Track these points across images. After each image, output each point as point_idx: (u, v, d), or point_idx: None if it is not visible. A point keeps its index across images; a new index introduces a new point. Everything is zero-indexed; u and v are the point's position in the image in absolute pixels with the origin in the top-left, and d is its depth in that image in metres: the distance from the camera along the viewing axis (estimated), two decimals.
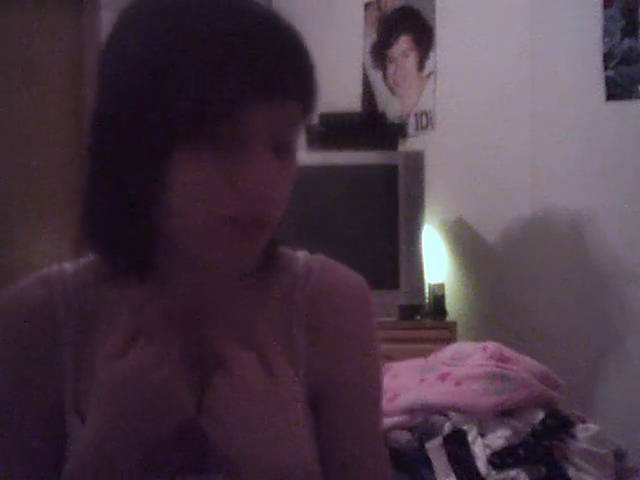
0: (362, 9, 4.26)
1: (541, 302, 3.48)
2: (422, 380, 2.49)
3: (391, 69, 4.16)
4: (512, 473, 2.23)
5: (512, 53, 3.60)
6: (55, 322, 1.03)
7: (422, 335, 3.45)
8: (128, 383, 0.95)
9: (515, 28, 3.60)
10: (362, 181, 3.54)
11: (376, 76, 4.21)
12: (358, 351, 1.08)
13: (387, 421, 2.35)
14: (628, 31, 3.18)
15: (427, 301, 3.60)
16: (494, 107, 3.67)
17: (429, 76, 3.98)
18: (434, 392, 2.41)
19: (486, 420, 2.32)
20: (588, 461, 2.29)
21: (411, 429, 2.35)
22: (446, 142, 3.84)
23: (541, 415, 2.34)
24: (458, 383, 2.41)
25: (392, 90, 4.15)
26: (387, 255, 3.49)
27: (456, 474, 2.23)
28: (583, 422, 2.41)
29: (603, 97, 3.25)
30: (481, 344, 2.58)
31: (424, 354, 2.70)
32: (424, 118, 3.97)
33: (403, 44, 4.10)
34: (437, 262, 3.79)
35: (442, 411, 2.36)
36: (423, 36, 4.00)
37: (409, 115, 4.04)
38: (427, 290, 3.59)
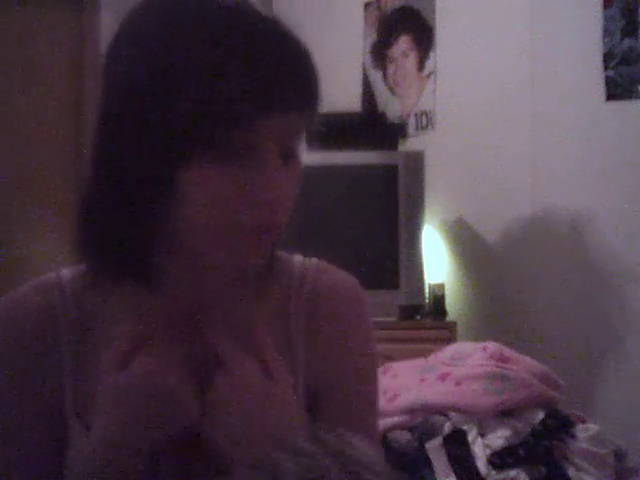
0: (362, 9, 4.26)
1: (541, 302, 3.47)
2: (422, 380, 2.49)
3: (391, 69, 4.16)
4: (512, 473, 2.23)
5: (512, 53, 3.60)
6: (54, 327, 1.03)
7: (422, 335, 3.45)
8: (134, 391, 0.96)
9: (515, 28, 3.60)
10: (362, 181, 3.54)
11: (376, 76, 4.21)
12: (354, 352, 1.09)
13: (387, 421, 2.35)
14: (628, 31, 3.18)
15: (427, 301, 3.59)
16: (494, 107, 3.67)
17: (429, 76, 3.98)
18: (434, 392, 2.41)
19: (486, 420, 2.32)
20: (588, 461, 2.29)
21: (411, 429, 2.35)
22: (446, 142, 3.84)
23: (541, 415, 2.34)
24: (458, 383, 2.41)
25: (392, 90, 4.15)
26: (387, 255, 3.49)
27: (456, 474, 2.23)
28: (583, 422, 2.41)
29: (603, 97, 3.25)
30: (481, 344, 2.58)
31: (424, 354, 2.70)
32: (424, 118, 3.97)
33: (403, 44, 4.10)
34: (437, 262, 3.79)
35: (442, 411, 2.36)
36: (423, 36, 4.00)
37: (409, 115, 4.04)
38: (427, 290, 3.59)
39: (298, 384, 1.05)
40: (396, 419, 2.37)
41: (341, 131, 3.71)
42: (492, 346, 2.53)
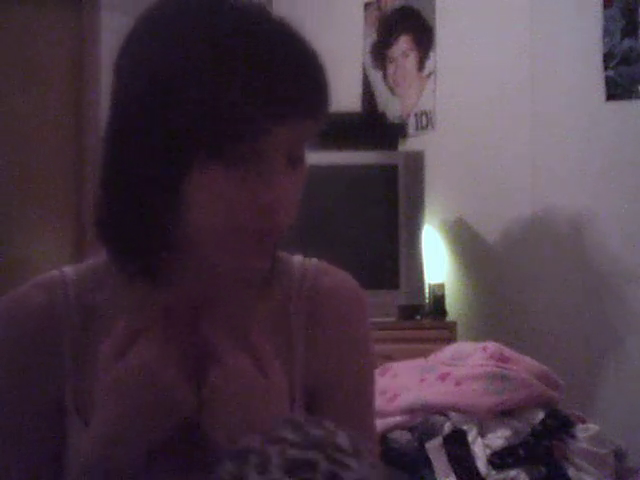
0: (362, 9, 4.26)
1: (541, 302, 3.48)
2: (422, 380, 2.49)
3: (391, 69, 4.16)
4: (512, 473, 2.23)
5: (512, 53, 3.60)
6: (55, 325, 1.04)
7: (422, 335, 3.45)
8: (131, 383, 0.96)
9: (515, 28, 3.60)
10: (362, 181, 3.54)
11: (376, 76, 4.21)
12: (353, 353, 1.09)
13: (387, 421, 2.35)
14: (628, 31, 3.18)
15: (427, 301, 3.59)
16: (494, 107, 3.67)
17: (429, 76, 3.98)
18: (434, 392, 2.41)
19: (486, 420, 2.32)
20: (588, 461, 2.29)
21: (411, 429, 2.35)
22: (446, 142, 3.84)
23: (541, 415, 2.34)
24: (458, 383, 2.41)
25: (392, 90, 4.15)
26: (387, 255, 3.49)
27: (456, 474, 2.23)
28: (583, 422, 2.41)
29: (603, 97, 3.25)
30: (481, 344, 2.58)
31: (424, 354, 2.70)
32: (424, 118, 3.97)
33: (403, 44, 4.10)
34: (437, 262, 3.79)
35: (442, 411, 2.36)
36: (423, 36, 4.00)
37: (409, 115, 4.04)
38: (427, 290, 3.59)
39: (297, 383, 1.06)
40: (396, 419, 2.37)
41: (341, 131, 3.70)
42: (492, 346, 2.53)
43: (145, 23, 0.98)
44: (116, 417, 0.97)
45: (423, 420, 2.35)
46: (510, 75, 3.62)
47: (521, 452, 2.27)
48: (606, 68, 3.23)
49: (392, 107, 4.11)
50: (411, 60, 4.06)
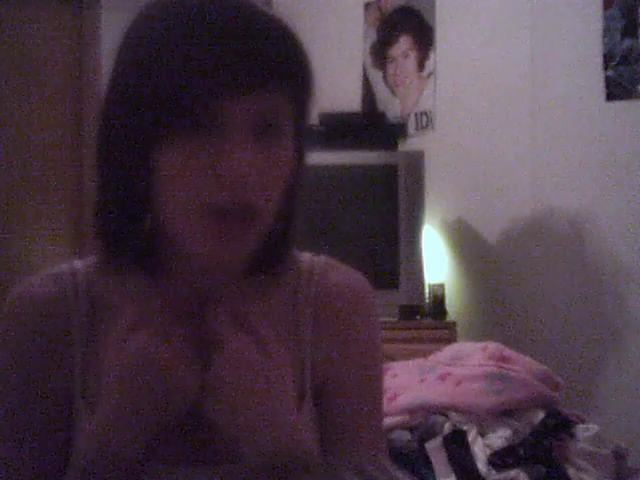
0: (362, 9, 4.26)
1: (541, 302, 3.48)
2: (422, 380, 2.49)
3: (391, 69, 4.16)
4: (512, 473, 2.23)
5: (512, 53, 3.60)
6: (65, 314, 1.05)
7: (422, 335, 3.45)
8: (132, 366, 0.98)
9: (515, 28, 3.60)
10: (362, 181, 3.54)
11: (376, 76, 4.21)
12: (360, 349, 1.10)
13: (387, 421, 2.34)
14: (628, 31, 3.18)
15: (427, 301, 3.59)
16: (494, 107, 3.67)
17: (429, 76, 3.98)
18: (434, 392, 2.41)
19: (486, 420, 2.32)
20: (588, 461, 2.29)
21: (411, 429, 2.35)
22: (446, 142, 3.84)
23: (541, 415, 2.34)
24: (458, 383, 2.41)
25: (392, 90, 4.15)
26: (387, 255, 3.49)
27: (456, 474, 2.22)
28: (583, 422, 2.41)
29: (603, 97, 3.25)
30: (481, 344, 2.58)
31: (424, 354, 2.69)
32: (424, 118, 3.97)
33: (403, 44, 4.10)
34: (437, 262, 3.79)
35: (442, 411, 2.36)
36: (423, 36, 4.00)
37: (409, 115, 4.04)
38: (427, 290, 3.59)
39: (306, 379, 1.06)
40: (396, 419, 2.37)
41: (341, 131, 3.71)
42: (492, 346, 2.52)
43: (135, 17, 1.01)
44: (118, 402, 0.98)
45: (423, 420, 2.35)
46: (510, 75, 3.62)
47: (521, 452, 2.26)
48: (606, 68, 3.23)
49: (392, 107, 4.11)
50: (411, 60, 4.06)
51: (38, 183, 4.44)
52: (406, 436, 2.33)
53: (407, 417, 2.38)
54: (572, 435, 2.33)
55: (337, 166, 3.50)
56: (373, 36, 4.22)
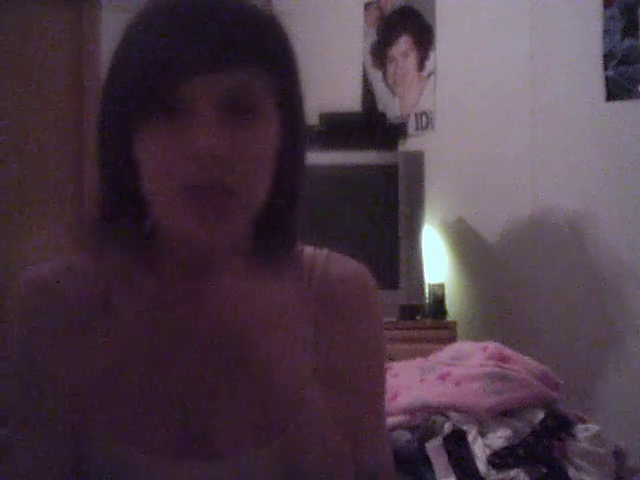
0: (362, 9, 4.26)
1: (541, 302, 3.47)
2: (422, 380, 2.49)
3: (391, 69, 4.16)
4: (512, 473, 2.23)
5: (512, 53, 3.60)
6: (73, 303, 1.06)
7: (422, 335, 3.45)
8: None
9: (515, 28, 3.60)
10: (362, 181, 3.54)
11: (376, 76, 4.21)
12: (363, 341, 1.10)
13: (387, 421, 2.34)
14: (628, 31, 3.18)
15: (427, 301, 3.59)
16: (494, 107, 3.67)
17: (429, 76, 3.98)
18: (434, 392, 2.41)
19: (486, 420, 2.32)
20: (588, 461, 2.29)
21: (411, 429, 2.35)
22: (446, 142, 3.84)
23: (541, 415, 2.34)
24: (458, 383, 2.41)
25: (392, 90, 4.15)
26: (387, 255, 3.48)
27: (456, 474, 2.22)
28: (583, 422, 2.41)
29: (603, 97, 3.24)
30: (481, 344, 2.58)
31: (424, 354, 2.69)
32: (424, 118, 3.97)
33: (403, 44, 4.10)
34: (437, 262, 3.79)
35: (442, 411, 2.36)
36: (423, 36, 4.00)
37: (409, 115, 4.04)
38: (427, 290, 3.58)
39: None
40: (396, 419, 2.37)
41: (341, 131, 3.71)
42: (492, 346, 2.52)
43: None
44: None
45: (423, 420, 2.35)
46: (510, 75, 3.61)
47: (521, 452, 2.26)
48: (606, 68, 3.23)
49: (392, 107, 4.11)
50: (411, 60, 4.06)
51: (38, 183, 4.44)
52: (406, 436, 2.33)
53: (407, 417, 2.38)
54: (572, 435, 2.33)
55: (337, 166, 3.50)
56: (373, 36, 4.22)
